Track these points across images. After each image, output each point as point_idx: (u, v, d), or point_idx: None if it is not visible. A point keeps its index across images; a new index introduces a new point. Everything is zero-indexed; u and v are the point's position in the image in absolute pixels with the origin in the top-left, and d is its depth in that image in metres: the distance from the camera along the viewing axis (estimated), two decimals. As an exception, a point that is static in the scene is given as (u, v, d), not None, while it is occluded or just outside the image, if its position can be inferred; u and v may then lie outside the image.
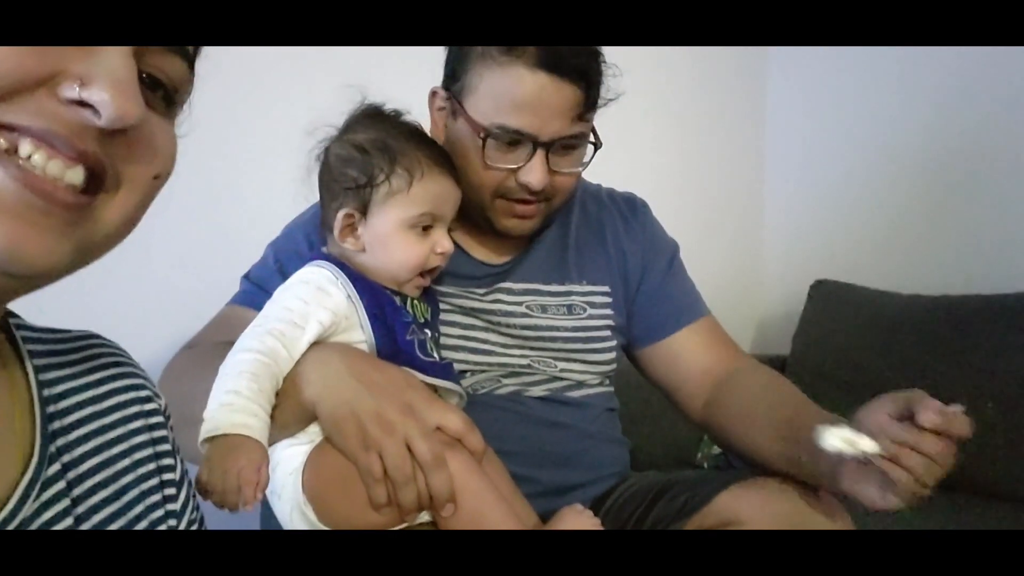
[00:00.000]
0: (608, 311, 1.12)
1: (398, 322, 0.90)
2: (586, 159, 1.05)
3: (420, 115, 1.00)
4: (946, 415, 0.84)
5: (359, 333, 0.89)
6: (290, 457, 0.87)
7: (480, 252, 1.10)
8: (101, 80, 0.42)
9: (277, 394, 0.83)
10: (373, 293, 0.90)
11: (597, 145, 1.04)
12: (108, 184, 0.46)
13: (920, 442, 0.83)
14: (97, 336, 0.60)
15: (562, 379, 1.06)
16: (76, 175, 0.43)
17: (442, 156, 0.93)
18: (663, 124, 2.23)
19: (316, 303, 0.86)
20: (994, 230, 2.05)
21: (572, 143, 1.01)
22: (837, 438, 0.86)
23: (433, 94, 1.07)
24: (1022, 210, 2.01)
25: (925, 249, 2.17)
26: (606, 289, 1.12)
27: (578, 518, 0.86)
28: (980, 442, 1.62)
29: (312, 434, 0.87)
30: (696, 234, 2.33)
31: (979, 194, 2.08)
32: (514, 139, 0.98)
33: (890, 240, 2.24)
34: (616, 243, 1.15)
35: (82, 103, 0.42)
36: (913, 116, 2.18)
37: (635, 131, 2.14)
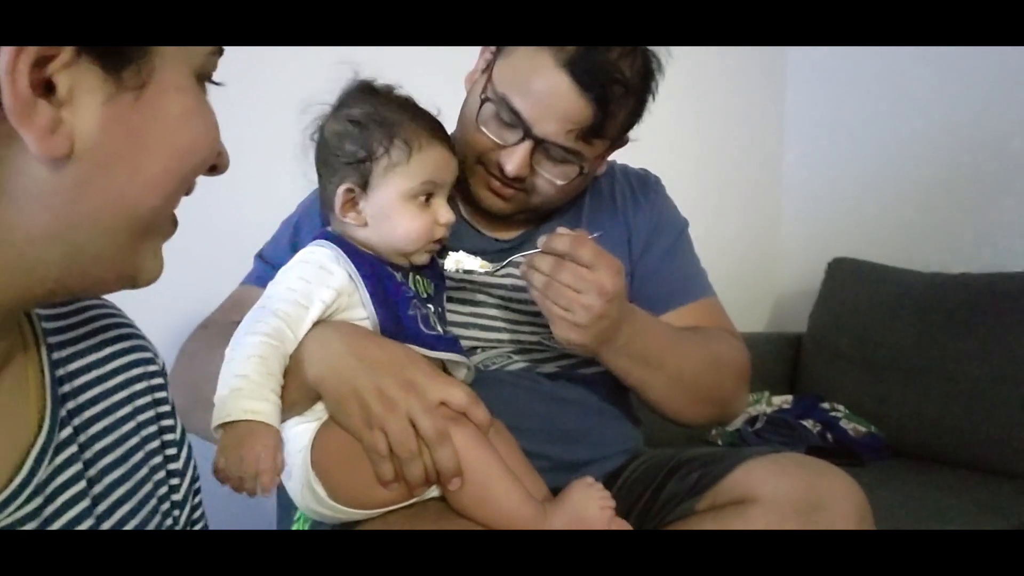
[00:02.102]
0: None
1: (400, 298, 0.90)
2: (569, 180, 1.02)
3: (411, 90, 0.98)
4: (550, 236, 0.89)
5: (361, 310, 0.88)
6: (298, 435, 0.87)
7: (490, 228, 1.09)
8: None
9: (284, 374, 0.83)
10: (374, 270, 0.89)
11: (583, 172, 1.02)
12: None
13: (532, 260, 0.90)
14: (99, 300, 0.60)
15: (573, 355, 1.05)
16: None
17: (437, 126, 0.92)
18: (682, 101, 2.21)
19: (318, 282, 0.86)
20: (1015, 207, 2.02)
21: (563, 156, 0.99)
22: (451, 258, 0.93)
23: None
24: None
25: (943, 226, 2.14)
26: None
27: (587, 491, 0.85)
28: (1000, 420, 1.64)
29: (319, 412, 0.87)
30: (713, 211, 2.32)
31: (998, 171, 2.04)
32: (511, 119, 0.97)
33: (908, 218, 2.22)
34: (626, 218, 1.14)
35: None
36: (934, 93, 2.15)
37: (653, 107, 2.12)
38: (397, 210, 0.89)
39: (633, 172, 1.20)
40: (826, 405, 1.90)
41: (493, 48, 1.03)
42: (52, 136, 0.40)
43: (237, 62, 1.56)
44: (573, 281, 0.87)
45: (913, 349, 1.85)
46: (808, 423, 1.84)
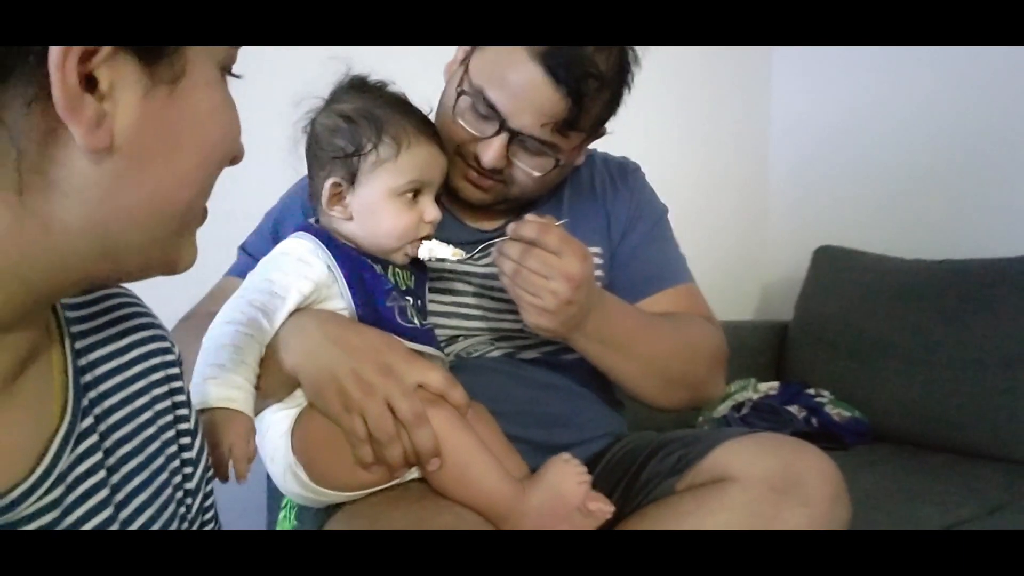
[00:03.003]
0: (600, 272, 1.11)
1: (378, 289, 0.91)
2: (546, 172, 1.03)
3: (405, 87, 0.99)
4: (519, 223, 0.90)
5: (340, 301, 0.90)
6: (280, 420, 0.88)
7: (472, 218, 1.10)
8: None
9: (260, 363, 0.84)
10: (353, 262, 0.90)
11: (559, 164, 1.03)
12: None
13: (502, 246, 0.91)
14: (121, 289, 0.61)
15: (554, 342, 1.07)
16: None
17: (427, 124, 0.94)
18: (668, 88, 2.22)
19: (296, 274, 0.87)
20: (997, 194, 2.04)
21: (539, 148, 1.00)
22: (424, 247, 0.93)
23: None
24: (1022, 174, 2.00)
25: (927, 214, 2.16)
26: (598, 251, 1.12)
27: (564, 467, 0.87)
28: (982, 405, 1.66)
29: (300, 398, 0.88)
30: (701, 201, 2.33)
31: (982, 158, 2.06)
32: (487, 111, 0.97)
33: (892, 206, 2.23)
34: (606, 205, 1.15)
35: None
36: (917, 84, 2.16)
37: (640, 94, 2.13)
38: (383, 206, 0.90)
39: (613, 160, 1.21)
40: (811, 391, 1.92)
41: None
42: (97, 129, 0.42)
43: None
44: (540, 267, 0.88)
45: (896, 335, 1.87)
46: (793, 409, 1.85)
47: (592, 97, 0.98)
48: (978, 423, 1.70)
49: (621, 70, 1.01)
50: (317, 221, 0.96)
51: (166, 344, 0.62)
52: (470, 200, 1.06)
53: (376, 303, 0.90)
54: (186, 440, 0.61)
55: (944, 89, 2.11)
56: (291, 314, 0.87)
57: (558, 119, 0.97)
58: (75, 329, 0.54)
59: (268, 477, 1.05)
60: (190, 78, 0.45)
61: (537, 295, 0.89)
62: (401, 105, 0.93)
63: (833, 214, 2.35)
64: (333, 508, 0.91)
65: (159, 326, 0.62)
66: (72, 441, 0.50)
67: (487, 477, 0.86)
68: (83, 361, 0.54)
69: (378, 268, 0.92)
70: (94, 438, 0.52)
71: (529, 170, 1.02)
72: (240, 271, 1.06)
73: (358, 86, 0.94)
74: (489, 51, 0.99)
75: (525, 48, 0.94)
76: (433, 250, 0.93)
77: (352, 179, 0.90)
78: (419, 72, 1.05)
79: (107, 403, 0.54)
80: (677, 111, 2.29)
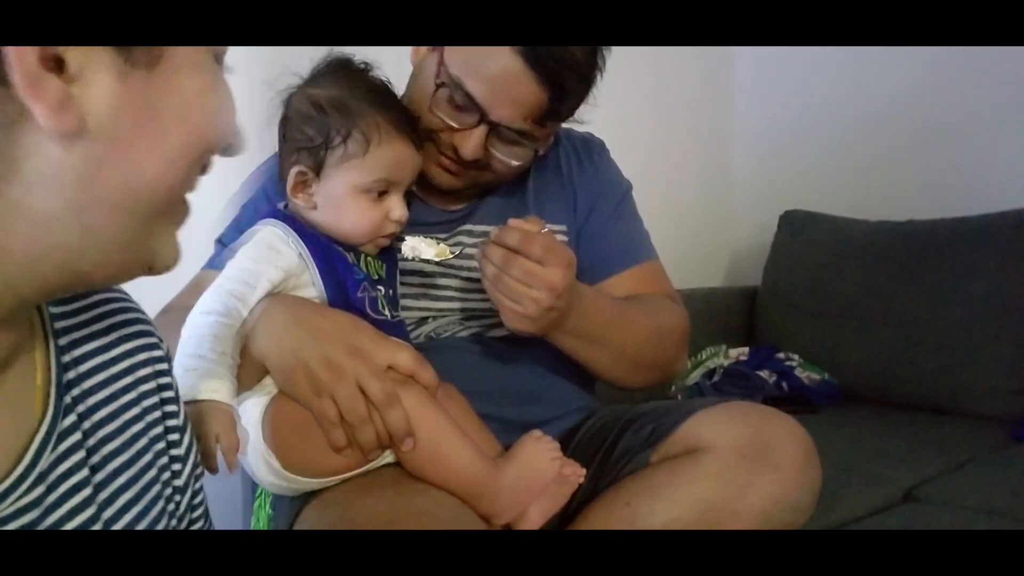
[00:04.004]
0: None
1: (349, 279, 0.90)
2: (524, 161, 1.03)
3: (389, 71, 0.97)
4: (503, 229, 0.90)
5: (312, 290, 0.89)
6: (250, 408, 0.87)
7: (438, 200, 1.09)
8: None
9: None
10: (324, 250, 0.89)
11: (536, 153, 1.04)
12: None
13: (484, 249, 0.90)
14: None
15: None
16: None
17: (404, 120, 0.91)
18: (629, 56, 2.21)
19: (267, 262, 0.86)
20: (954, 155, 2.06)
21: (518, 139, 0.99)
22: (408, 245, 0.93)
23: None
24: (986, 134, 2.02)
25: (892, 176, 2.18)
26: (564, 228, 1.11)
27: (537, 444, 0.88)
28: (946, 361, 1.70)
29: (269, 386, 0.88)
30: (665, 168, 2.33)
31: (943, 119, 2.08)
32: (465, 103, 0.96)
33: (857, 168, 2.25)
34: (571, 182, 1.14)
35: None
36: (877, 51, 2.16)
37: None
38: (347, 202, 0.89)
39: (577, 136, 1.20)
40: (781, 355, 1.94)
41: None
42: (62, 111, 0.40)
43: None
44: (522, 276, 0.87)
45: (862, 296, 1.89)
46: (764, 373, 1.88)
47: (571, 87, 0.97)
48: (943, 380, 1.73)
49: (594, 57, 1.00)
50: (286, 206, 0.94)
51: (154, 340, 0.60)
52: (441, 186, 1.04)
53: (347, 293, 0.89)
54: (175, 437, 0.61)
55: (904, 52, 2.12)
56: (263, 300, 0.86)
57: (538, 111, 0.96)
58: (59, 325, 0.53)
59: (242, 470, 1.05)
60: (172, 60, 0.44)
61: (518, 302, 0.88)
62: (379, 97, 0.90)
63: (798, 178, 2.37)
64: (307, 496, 0.90)
65: (147, 322, 0.61)
66: (53, 439, 0.49)
67: (460, 456, 0.86)
68: (66, 358, 0.53)
69: (350, 257, 0.91)
70: (76, 436, 0.51)
71: (507, 159, 1.01)
72: (217, 264, 1.04)
73: (339, 69, 0.92)
74: None
75: None
76: (416, 249, 0.92)
77: (318, 170, 0.88)
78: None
79: (91, 400, 0.53)
80: (639, 79, 2.28)
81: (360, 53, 0.94)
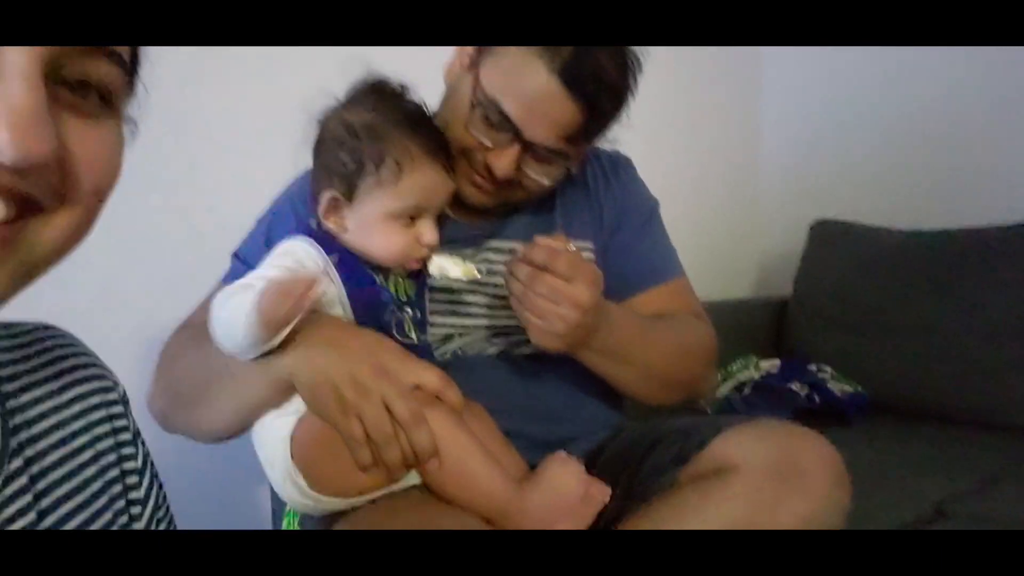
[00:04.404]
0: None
1: (377, 302, 0.90)
2: (556, 180, 1.04)
3: (424, 91, 0.98)
4: (530, 246, 0.90)
5: (338, 309, 0.89)
6: (279, 427, 0.88)
7: (466, 217, 1.09)
8: (1, 118, 0.38)
9: (249, 372, 0.86)
10: (352, 270, 0.90)
11: (569, 171, 1.05)
12: (43, 206, 0.43)
13: (511, 267, 0.91)
14: (50, 327, 0.59)
15: None
16: None
17: (437, 145, 0.91)
18: (656, 65, 2.20)
19: (275, 267, 0.87)
20: (991, 163, 2.03)
21: (551, 157, 1.00)
22: (435, 264, 0.92)
23: None
24: (1021, 141, 1.99)
25: (923, 184, 2.15)
26: (591, 245, 1.12)
27: (562, 466, 0.87)
28: (979, 374, 1.67)
29: (297, 403, 0.88)
30: (694, 181, 2.32)
31: (975, 127, 2.05)
32: (500, 122, 0.96)
33: (887, 177, 2.23)
34: (598, 199, 1.15)
35: None
36: (908, 57, 2.14)
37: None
38: (379, 227, 0.89)
39: (604, 153, 1.20)
40: (813, 367, 1.92)
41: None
42: None
43: (220, 64, 1.56)
44: (549, 293, 0.88)
45: (894, 307, 1.87)
46: (795, 386, 1.85)
47: (606, 108, 0.99)
48: (975, 392, 1.70)
49: (629, 78, 1.01)
50: (318, 225, 0.95)
51: (107, 383, 0.60)
52: (472, 203, 1.05)
53: (374, 314, 0.90)
54: (132, 479, 0.60)
55: (936, 58, 2.09)
56: None
57: (573, 130, 0.97)
58: (5, 371, 0.53)
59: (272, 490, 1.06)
60: None
61: (544, 319, 0.89)
62: (413, 123, 0.90)
63: (828, 187, 2.35)
64: (334, 516, 0.91)
65: (98, 364, 0.60)
66: None
67: (485, 476, 0.86)
68: (13, 403, 0.52)
69: (379, 278, 0.92)
70: (23, 480, 0.50)
71: (539, 178, 1.02)
72: (234, 278, 1.05)
73: (375, 92, 0.92)
74: (501, 61, 0.97)
75: (542, 61, 0.93)
76: (444, 268, 0.92)
77: (351, 195, 0.89)
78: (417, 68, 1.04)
79: (41, 444, 0.52)
80: (666, 89, 2.27)
81: (392, 61, 0.95)
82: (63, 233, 0.44)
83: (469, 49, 1.03)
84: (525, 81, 0.94)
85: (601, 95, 0.96)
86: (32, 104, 0.39)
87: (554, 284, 0.87)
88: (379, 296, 0.91)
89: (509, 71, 0.96)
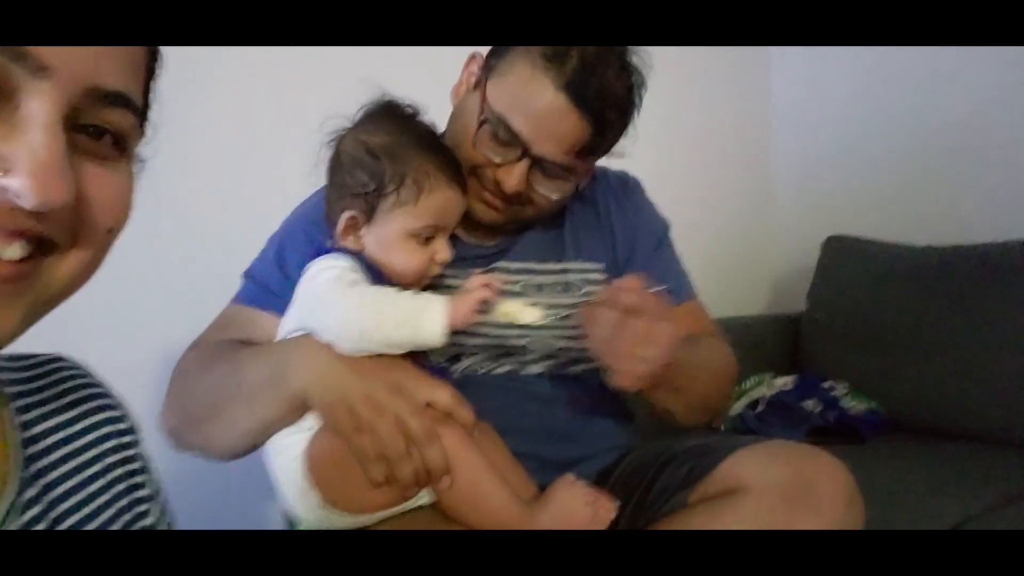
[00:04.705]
0: (604, 288, 1.11)
1: None
2: (565, 195, 1.05)
3: (435, 114, 1.00)
4: (614, 289, 0.88)
5: None
6: (292, 444, 0.89)
7: (474, 235, 1.10)
8: (22, 165, 0.40)
9: (263, 390, 0.87)
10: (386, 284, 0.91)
11: (576, 187, 1.05)
12: (56, 246, 0.45)
13: (593, 312, 0.88)
14: (62, 359, 0.60)
15: (559, 356, 1.07)
16: (14, 251, 0.42)
17: (452, 165, 0.94)
18: (668, 85, 2.21)
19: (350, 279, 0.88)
20: (1006, 177, 2.01)
21: (559, 173, 1.01)
22: (502, 310, 0.90)
23: (472, 57, 1.07)
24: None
25: (937, 199, 2.14)
26: (601, 266, 1.12)
27: (570, 489, 0.87)
28: (997, 390, 1.65)
29: (311, 421, 0.89)
30: (706, 197, 2.32)
31: (990, 141, 2.04)
32: (508, 138, 0.98)
33: (900, 192, 2.21)
34: (608, 220, 1.15)
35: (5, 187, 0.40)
36: (922, 67, 2.14)
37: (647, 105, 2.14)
38: (397, 246, 0.91)
39: (613, 174, 1.21)
40: (827, 384, 1.91)
41: (479, 63, 1.05)
42: None
43: (229, 86, 1.58)
44: (641, 336, 0.86)
45: (910, 323, 1.85)
46: (810, 403, 1.84)
47: (613, 122, 0.99)
48: (994, 409, 1.68)
49: (634, 93, 1.02)
50: (330, 247, 0.96)
51: (117, 414, 0.61)
52: (482, 220, 1.06)
53: None
54: (143, 508, 0.61)
55: (949, 71, 2.08)
56: (294, 336, 0.89)
57: (580, 144, 0.98)
58: (20, 402, 0.54)
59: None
60: None
61: (633, 362, 0.86)
62: (429, 143, 0.93)
63: (841, 203, 2.34)
64: (345, 536, 0.91)
65: (109, 395, 0.62)
66: (18, 511, 0.49)
67: (496, 496, 0.86)
68: (28, 433, 0.53)
69: None
70: (38, 508, 0.51)
71: (548, 194, 1.03)
72: (245, 298, 1.06)
73: (388, 114, 0.94)
74: (508, 79, 0.98)
75: (548, 78, 0.95)
76: (513, 315, 0.90)
77: (369, 214, 0.91)
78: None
79: (54, 474, 0.54)
80: (677, 106, 2.28)
81: (400, 84, 0.96)
82: (76, 270, 0.46)
83: (475, 68, 1.05)
84: (532, 97, 0.95)
85: (608, 110, 0.97)
86: (53, 152, 0.41)
87: (643, 328, 0.85)
88: None
89: (516, 88, 0.97)
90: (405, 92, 0.98)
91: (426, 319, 0.84)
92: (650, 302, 0.87)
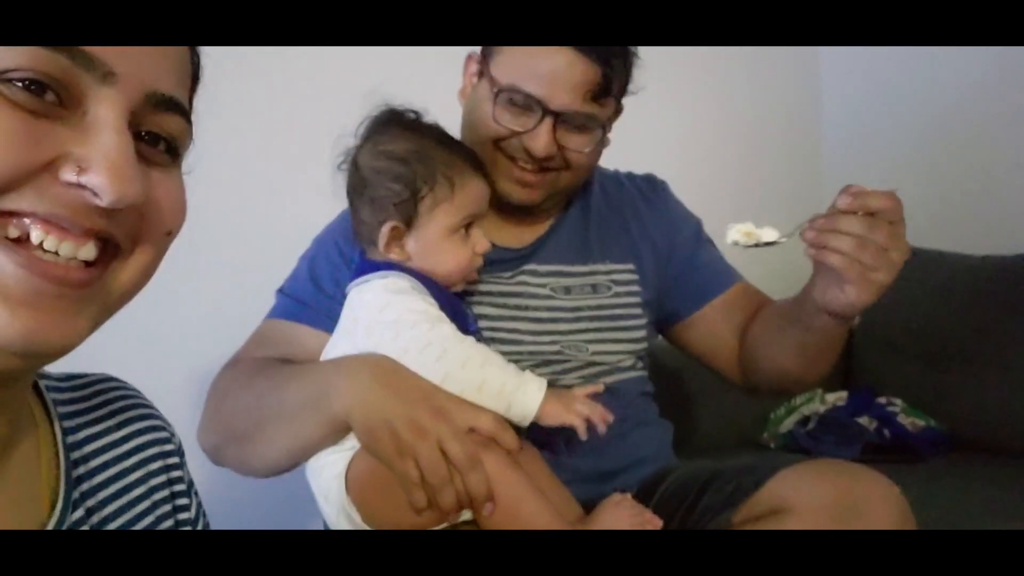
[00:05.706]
0: (635, 287, 1.13)
1: (467, 319, 0.95)
2: (595, 145, 1.05)
3: (439, 116, 1.01)
4: (860, 194, 0.84)
5: None
6: (334, 462, 0.90)
7: (501, 238, 1.10)
8: (98, 164, 0.42)
9: (304, 410, 0.88)
10: (442, 294, 0.93)
11: (604, 134, 1.06)
12: (120, 250, 0.47)
13: (837, 222, 0.84)
14: (113, 379, 0.62)
15: (595, 364, 1.06)
16: (88, 251, 0.45)
17: (473, 156, 0.96)
18: (717, 93, 2.19)
19: (420, 299, 0.90)
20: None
21: (583, 122, 1.02)
22: (737, 231, 0.90)
23: (469, 58, 1.10)
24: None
25: (997, 207, 2.06)
26: (631, 267, 1.13)
27: (617, 509, 0.86)
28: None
29: (353, 440, 0.89)
30: (756, 205, 2.27)
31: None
32: (526, 103, 1.00)
33: (956, 200, 2.14)
34: (638, 222, 1.17)
35: (83, 185, 0.43)
36: (968, 76, 2.07)
37: (689, 103, 2.12)
38: (442, 245, 0.93)
39: (640, 178, 1.23)
40: (882, 400, 1.85)
41: (476, 59, 1.07)
42: None
43: (266, 89, 1.60)
44: (887, 240, 0.84)
45: (969, 336, 1.78)
46: (864, 420, 1.79)
47: (617, 58, 1.01)
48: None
49: None
50: (369, 260, 0.96)
51: (165, 434, 0.62)
52: (520, 202, 1.07)
53: (463, 327, 0.93)
54: (187, 529, 0.62)
55: (1006, 71, 2.02)
56: (340, 357, 0.90)
57: (594, 87, 0.99)
58: (68, 422, 0.55)
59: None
60: None
61: (879, 269, 0.85)
62: (446, 140, 0.95)
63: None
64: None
65: (157, 416, 0.63)
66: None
67: (540, 520, 0.85)
68: (76, 454, 0.54)
69: (464, 305, 0.96)
70: (84, 529, 0.52)
71: (580, 148, 1.04)
72: (281, 313, 1.07)
73: (397, 122, 0.95)
74: (509, 52, 1.01)
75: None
76: (753, 235, 0.91)
77: (409, 221, 0.92)
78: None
79: (101, 495, 0.55)
80: (727, 118, 2.25)
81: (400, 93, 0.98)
82: (137, 274, 0.49)
83: (474, 66, 1.08)
84: (538, 60, 0.98)
85: (611, 52, 0.99)
86: (125, 151, 0.44)
87: (891, 230, 0.84)
88: (470, 322, 0.96)
89: (520, 58, 1.00)
90: (406, 98, 0.99)
91: (518, 398, 0.87)
92: (897, 203, 0.85)
